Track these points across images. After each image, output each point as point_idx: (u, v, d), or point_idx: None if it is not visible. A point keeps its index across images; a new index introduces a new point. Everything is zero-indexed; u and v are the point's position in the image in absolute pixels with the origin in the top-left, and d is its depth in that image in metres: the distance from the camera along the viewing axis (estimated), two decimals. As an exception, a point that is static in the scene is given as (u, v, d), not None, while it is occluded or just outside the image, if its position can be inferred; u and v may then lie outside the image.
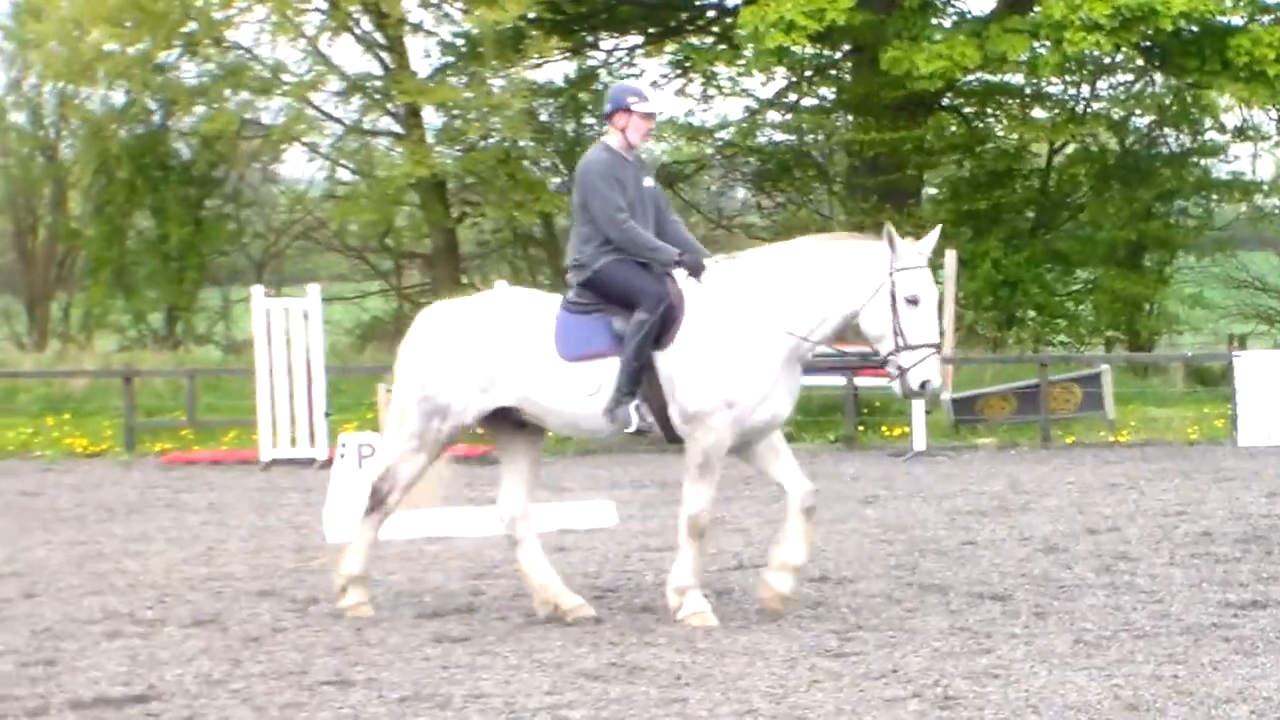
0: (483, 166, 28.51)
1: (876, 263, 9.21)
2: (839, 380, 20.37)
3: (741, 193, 35.15)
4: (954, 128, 30.32)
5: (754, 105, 31.37)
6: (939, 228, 9.55)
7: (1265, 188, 31.66)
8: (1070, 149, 31.06)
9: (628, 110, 9.64)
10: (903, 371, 9.18)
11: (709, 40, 31.36)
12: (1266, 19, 27.03)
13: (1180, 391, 24.10)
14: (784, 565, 9.44)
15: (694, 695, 7.66)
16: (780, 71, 30.05)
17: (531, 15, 27.19)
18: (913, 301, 9.13)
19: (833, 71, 31.00)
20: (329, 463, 15.57)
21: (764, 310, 9.25)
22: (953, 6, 29.81)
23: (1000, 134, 30.99)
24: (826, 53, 29.64)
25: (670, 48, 31.55)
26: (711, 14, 31.84)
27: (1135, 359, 26.83)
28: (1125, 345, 29.75)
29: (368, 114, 29.72)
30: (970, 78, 28.66)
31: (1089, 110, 30.20)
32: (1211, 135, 30.86)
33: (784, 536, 9.50)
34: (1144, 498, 14.65)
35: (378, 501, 9.85)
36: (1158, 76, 29.75)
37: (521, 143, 29.21)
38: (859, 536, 12.44)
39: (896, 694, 7.58)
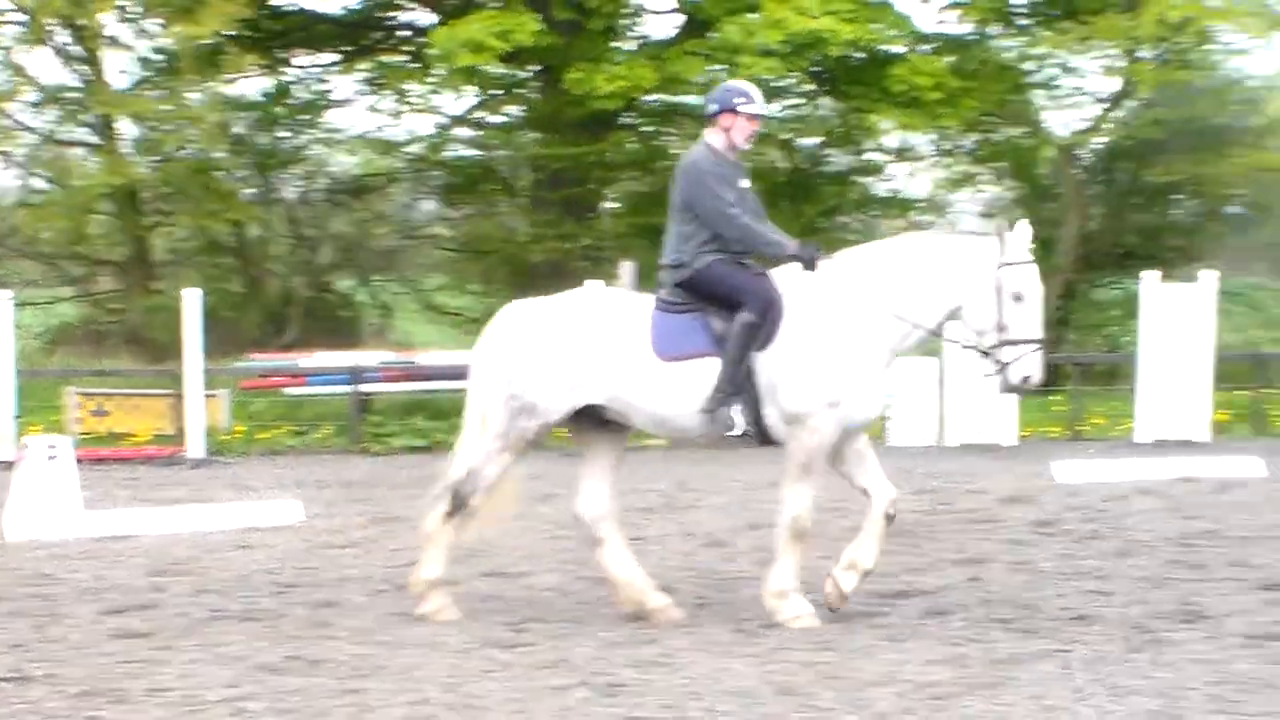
0: (178, 177, 28.39)
1: (985, 257, 9.15)
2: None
3: (430, 205, 35.30)
4: (633, 145, 31.05)
5: (444, 121, 31.75)
6: (1024, 223, 9.31)
7: (921, 205, 33.42)
8: (744, 166, 32.13)
9: (734, 111, 9.47)
10: (1004, 366, 9.11)
11: (402, 59, 31.61)
12: (925, 48, 28.54)
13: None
14: (853, 565, 9.35)
15: (371, 686, 7.78)
16: (470, 89, 30.41)
17: (230, 32, 27.08)
18: (1018, 297, 9.07)
19: (520, 90, 31.45)
20: (14, 464, 15.33)
21: (869, 299, 9.15)
22: (633, 31, 30.55)
23: (677, 151, 31.76)
24: (514, 72, 30.08)
25: (364, 65, 31.74)
26: (405, 34, 32.09)
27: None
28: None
29: (64, 124, 29.24)
30: (650, 98, 29.44)
31: (762, 131, 31.12)
32: (873, 155, 32.34)
33: (861, 538, 9.37)
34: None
35: (460, 504, 9.53)
36: (825, 100, 30.95)
37: (216, 154, 29.08)
38: (533, 533, 12.67)
39: (564, 682, 7.81)
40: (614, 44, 29.18)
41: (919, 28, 28.86)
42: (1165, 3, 26.34)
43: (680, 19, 29.87)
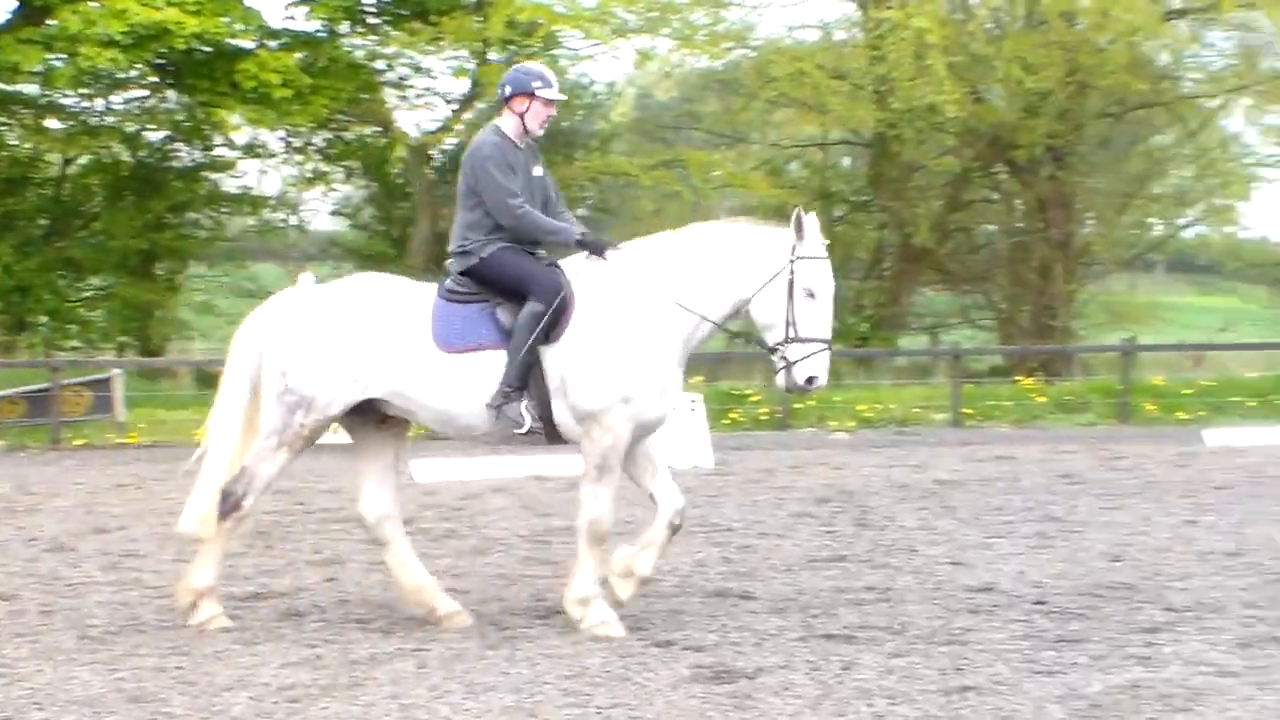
0: None
1: (778, 250, 8.68)
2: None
3: None
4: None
5: None
6: (812, 214, 8.75)
7: (272, 203, 33.07)
8: (84, 160, 31.03)
9: (530, 95, 8.94)
10: (789, 365, 8.62)
11: None
12: (275, 44, 28.16)
13: (191, 394, 24.61)
14: (629, 572, 8.86)
15: None
16: None
17: None
18: (811, 294, 8.61)
19: None
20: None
21: (657, 290, 8.69)
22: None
23: (14, 142, 30.39)
24: None
25: None
26: None
27: (146, 364, 27.30)
28: (137, 350, 30.16)
29: None
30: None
31: (103, 123, 30.17)
32: (222, 151, 31.75)
33: (641, 545, 8.88)
34: (152, 497, 14.73)
35: (232, 506, 8.73)
36: (171, 93, 30.11)
37: None
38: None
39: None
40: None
41: (268, 23, 28.45)
42: (513, 5, 26.97)
43: (14, 3, 28.21)
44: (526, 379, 8.64)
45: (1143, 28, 28.90)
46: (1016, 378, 26.75)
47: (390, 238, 33.02)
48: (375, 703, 7.21)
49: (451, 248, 9.00)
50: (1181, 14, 31.19)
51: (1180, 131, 35.09)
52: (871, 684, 7.36)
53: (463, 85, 31.44)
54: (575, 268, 8.91)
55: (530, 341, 8.60)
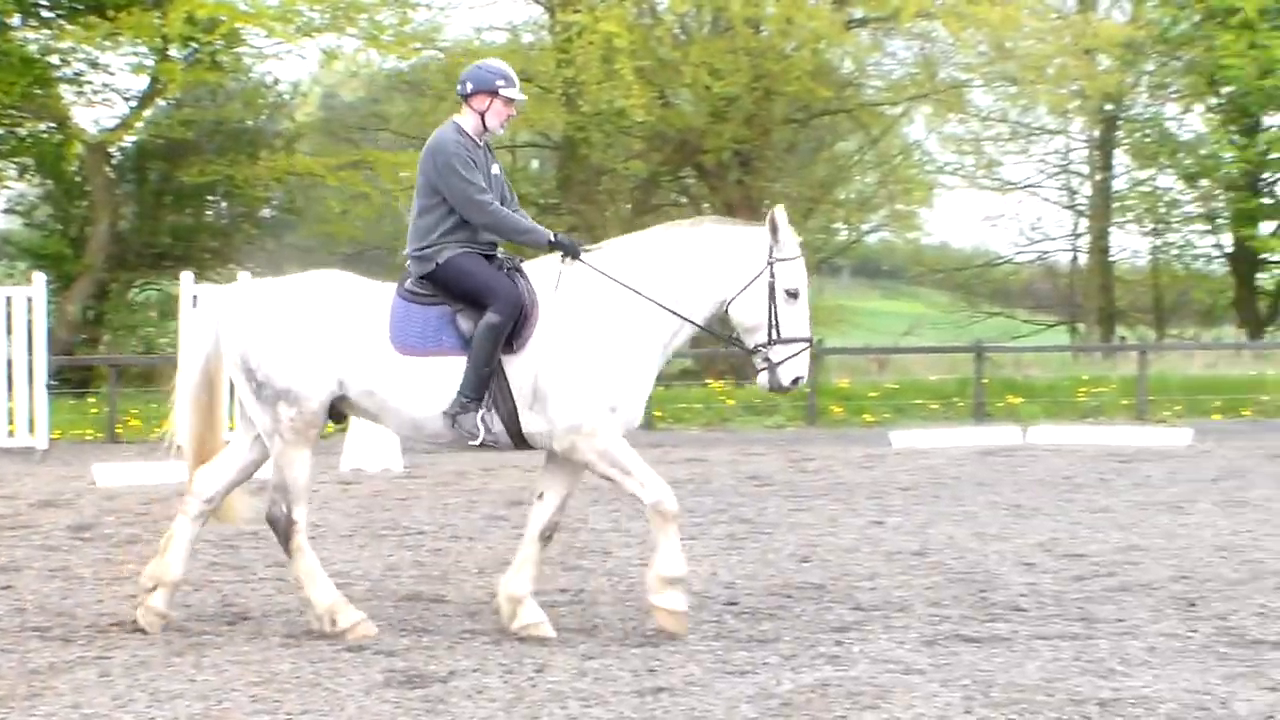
0: None
1: (756, 250, 8.50)
2: None
3: None
4: None
5: None
6: (784, 212, 8.58)
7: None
8: None
9: (493, 93, 8.68)
10: (772, 365, 8.47)
11: None
12: None
13: None
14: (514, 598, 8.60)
15: None
16: None
17: None
18: (792, 294, 8.48)
19: None
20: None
21: (639, 294, 8.46)
22: None
23: None
24: None
25: None
26: None
27: None
28: None
29: None
30: None
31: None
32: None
33: (516, 565, 8.69)
34: None
35: (288, 526, 8.51)
36: None
37: None
38: None
39: None
40: None
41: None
42: (193, 2, 26.30)
43: None
44: (483, 390, 8.39)
45: (825, 35, 29.56)
46: (707, 380, 27.14)
47: (68, 237, 31.90)
48: (56, 712, 7.01)
49: (409, 250, 8.70)
50: (863, 23, 32.07)
51: (864, 138, 36.14)
52: (565, 686, 7.36)
53: (142, 82, 30.59)
54: (545, 271, 8.65)
55: (488, 353, 8.35)
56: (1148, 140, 37.94)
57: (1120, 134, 39.06)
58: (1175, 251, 40.03)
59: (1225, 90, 35.78)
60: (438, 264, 8.54)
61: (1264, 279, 38.28)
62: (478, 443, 8.45)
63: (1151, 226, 39.59)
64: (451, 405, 8.37)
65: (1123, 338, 39.27)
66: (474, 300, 8.46)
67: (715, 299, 8.61)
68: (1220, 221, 37.84)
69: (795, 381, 8.58)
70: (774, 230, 8.53)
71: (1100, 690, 7.18)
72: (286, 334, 8.50)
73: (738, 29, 29.63)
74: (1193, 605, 9.27)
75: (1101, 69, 33.08)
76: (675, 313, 8.54)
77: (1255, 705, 6.95)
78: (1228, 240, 37.84)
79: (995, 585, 9.96)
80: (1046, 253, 43.10)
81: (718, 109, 30.79)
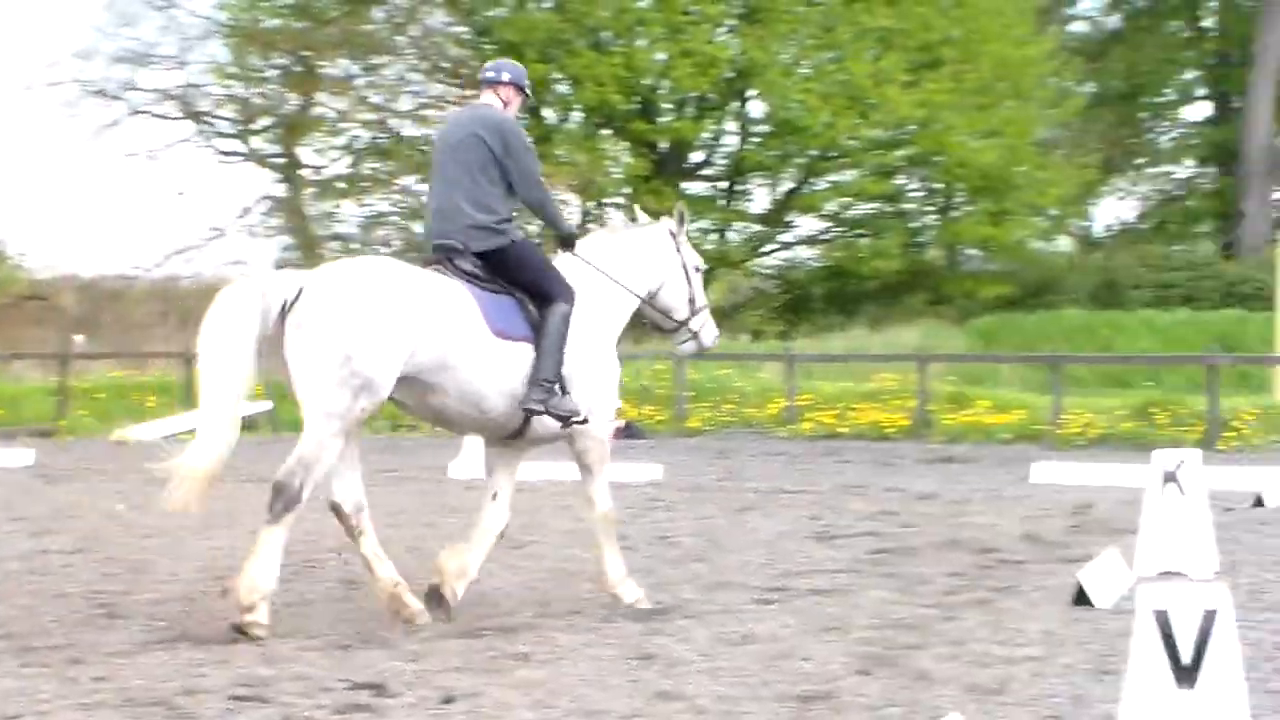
0: None
1: (668, 237, 9.50)
2: None
3: None
4: None
5: None
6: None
7: None
8: None
9: (521, 91, 9.06)
10: (696, 334, 9.57)
11: None
12: None
13: None
14: (463, 572, 8.79)
15: None
16: None
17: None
18: (697, 268, 9.60)
19: None
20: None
21: (620, 286, 9.19)
22: None
23: None
24: None
25: None
26: None
27: None
28: None
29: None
30: None
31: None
32: None
33: (470, 545, 8.87)
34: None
35: (293, 499, 7.96)
36: None
37: None
38: None
39: None
40: None
41: None
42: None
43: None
44: (560, 374, 8.57)
45: None
46: None
47: None
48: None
49: (469, 221, 8.56)
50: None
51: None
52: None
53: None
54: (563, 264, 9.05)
55: (565, 339, 8.57)
56: None
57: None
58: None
59: None
60: (513, 241, 8.60)
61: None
62: (581, 419, 8.61)
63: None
64: (536, 393, 8.45)
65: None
66: (534, 287, 8.59)
67: (657, 285, 9.44)
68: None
69: (715, 339, 9.74)
70: (680, 219, 9.51)
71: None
72: (391, 323, 8.08)
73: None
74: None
75: None
76: (652, 306, 9.45)
77: None
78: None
79: None
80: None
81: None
